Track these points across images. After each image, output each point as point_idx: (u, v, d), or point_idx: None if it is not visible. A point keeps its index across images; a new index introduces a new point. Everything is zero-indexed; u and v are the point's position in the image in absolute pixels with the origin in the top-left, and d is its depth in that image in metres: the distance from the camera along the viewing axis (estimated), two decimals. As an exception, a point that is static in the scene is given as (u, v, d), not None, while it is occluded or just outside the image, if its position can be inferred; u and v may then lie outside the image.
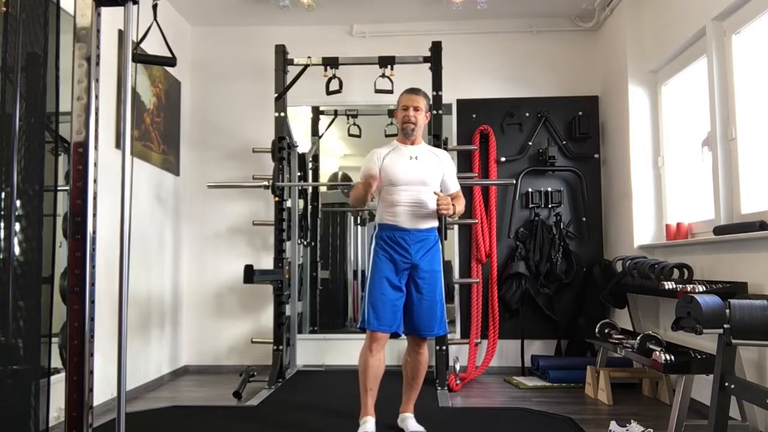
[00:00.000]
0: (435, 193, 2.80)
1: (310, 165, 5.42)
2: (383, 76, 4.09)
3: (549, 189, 4.55)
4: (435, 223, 2.91)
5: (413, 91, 2.95)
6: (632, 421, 2.80)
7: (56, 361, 2.75)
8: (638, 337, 3.19)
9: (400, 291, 2.80)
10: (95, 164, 1.72)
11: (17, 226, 1.71)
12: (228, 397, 3.69)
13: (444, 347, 3.93)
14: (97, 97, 1.73)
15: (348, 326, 5.82)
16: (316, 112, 5.45)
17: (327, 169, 6.02)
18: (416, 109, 2.89)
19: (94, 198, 1.72)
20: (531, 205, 4.55)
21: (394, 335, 2.81)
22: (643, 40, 4.08)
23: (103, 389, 3.28)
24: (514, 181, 4.46)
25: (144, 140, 4.00)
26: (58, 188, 1.91)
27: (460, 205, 2.96)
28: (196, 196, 4.75)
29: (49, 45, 1.77)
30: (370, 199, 2.89)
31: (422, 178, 2.85)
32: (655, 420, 3.00)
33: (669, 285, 3.05)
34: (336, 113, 5.37)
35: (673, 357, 2.84)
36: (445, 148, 4.11)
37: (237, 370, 4.34)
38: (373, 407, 2.80)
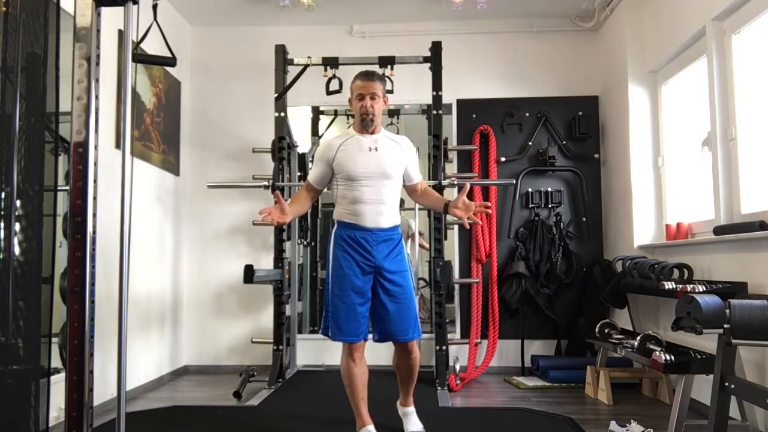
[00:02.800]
0: (462, 202, 2.54)
1: (310, 165, 5.42)
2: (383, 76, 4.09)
3: (549, 189, 4.55)
4: (398, 221, 2.70)
5: (368, 76, 2.65)
6: (632, 421, 2.80)
7: (56, 361, 2.74)
8: (638, 337, 3.19)
9: (364, 297, 2.60)
10: (95, 164, 1.72)
11: (17, 226, 1.71)
12: (228, 397, 3.69)
13: (444, 347, 3.93)
14: (97, 97, 1.73)
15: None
16: (316, 112, 5.45)
17: (327, 169, 6.00)
18: (373, 97, 2.62)
19: (94, 198, 1.72)
20: (531, 205, 4.55)
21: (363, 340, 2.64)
22: (643, 40, 4.08)
23: (103, 389, 3.29)
24: (514, 181, 4.46)
25: (144, 140, 4.00)
26: (58, 188, 1.91)
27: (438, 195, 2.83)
28: (196, 196, 4.75)
29: (49, 45, 1.76)
30: (309, 205, 2.77)
31: (384, 170, 2.61)
32: (655, 420, 3.00)
33: (669, 285, 3.05)
34: (336, 113, 5.37)
35: (673, 357, 2.84)
36: (446, 149, 4.11)
37: (237, 370, 4.34)
38: (368, 414, 2.68)
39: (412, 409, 2.84)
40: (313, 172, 2.73)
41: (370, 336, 2.71)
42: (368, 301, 2.64)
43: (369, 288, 2.63)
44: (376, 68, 4.09)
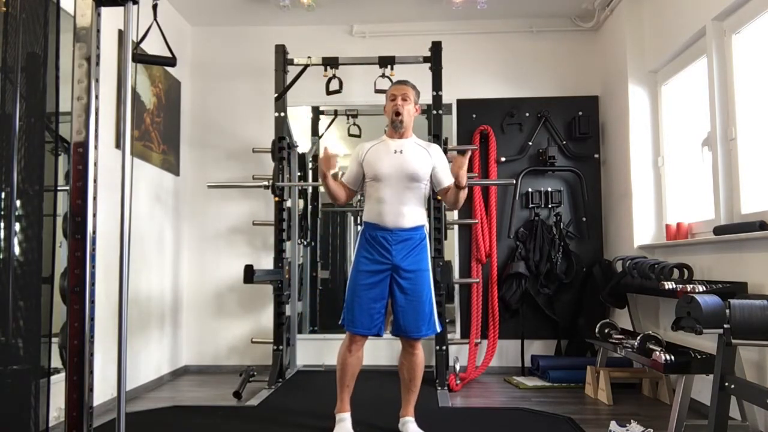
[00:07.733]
0: (457, 159, 2.53)
1: (310, 165, 5.42)
2: (383, 76, 4.09)
3: (549, 189, 4.55)
4: (421, 221, 2.77)
5: (401, 81, 2.86)
6: (632, 421, 2.80)
7: (56, 361, 2.75)
8: (638, 337, 3.19)
9: (379, 292, 2.70)
10: (95, 164, 1.72)
11: (17, 226, 1.71)
12: (228, 397, 3.69)
13: (444, 347, 3.93)
14: (97, 97, 1.73)
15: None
16: (316, 112, 5.45)
17: (327, 169, 6.00)
18: (404, 99, 2.76)
19: (94, 198, 1.72)
20: (531, 205, 4.55)
21: (376, 335, 2.76)
22: (643, 40, 4.08)
23: (103, 389, 3.29)
24: (514, 181, 4.46)
25: (144, 140, 4.00)
26: (58, 188, 1.91)
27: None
28: (196, 196, 4.75)
29: (49, 45, 1.76)
30: (344, 195, 2.80)
31: (407, 172, 2.70)
32: (655, 420, 3.00)
33: (669, 285, 3.05)
34: (336, 113, 5.36)
35: (673, 357, 2.84)
36: (445, 149, 4.11)
37: (237, 370, 4.34)
38: (349, 403, 2.82)
39: (411, 418, 2.83)
40: (347, 172, 2.85)
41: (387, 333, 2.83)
42: (384, 299, 2.73)
43: (386, 286, 2.72)
44: (376, 68, 4.10)
